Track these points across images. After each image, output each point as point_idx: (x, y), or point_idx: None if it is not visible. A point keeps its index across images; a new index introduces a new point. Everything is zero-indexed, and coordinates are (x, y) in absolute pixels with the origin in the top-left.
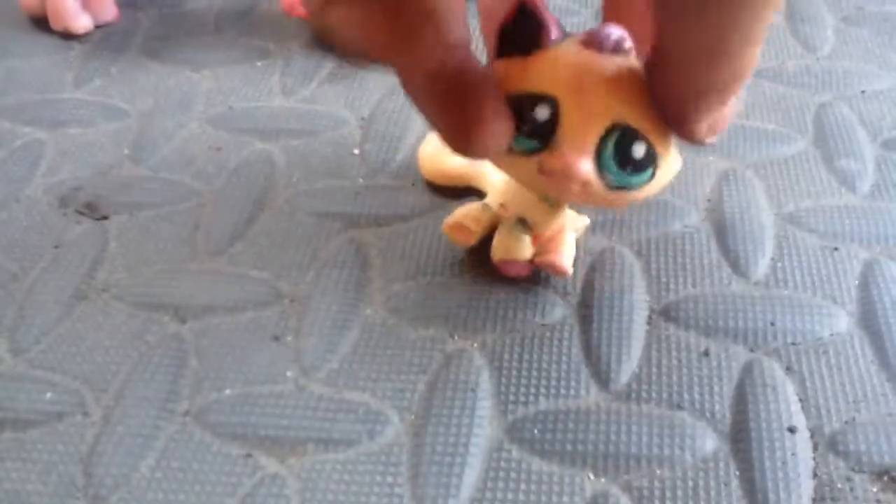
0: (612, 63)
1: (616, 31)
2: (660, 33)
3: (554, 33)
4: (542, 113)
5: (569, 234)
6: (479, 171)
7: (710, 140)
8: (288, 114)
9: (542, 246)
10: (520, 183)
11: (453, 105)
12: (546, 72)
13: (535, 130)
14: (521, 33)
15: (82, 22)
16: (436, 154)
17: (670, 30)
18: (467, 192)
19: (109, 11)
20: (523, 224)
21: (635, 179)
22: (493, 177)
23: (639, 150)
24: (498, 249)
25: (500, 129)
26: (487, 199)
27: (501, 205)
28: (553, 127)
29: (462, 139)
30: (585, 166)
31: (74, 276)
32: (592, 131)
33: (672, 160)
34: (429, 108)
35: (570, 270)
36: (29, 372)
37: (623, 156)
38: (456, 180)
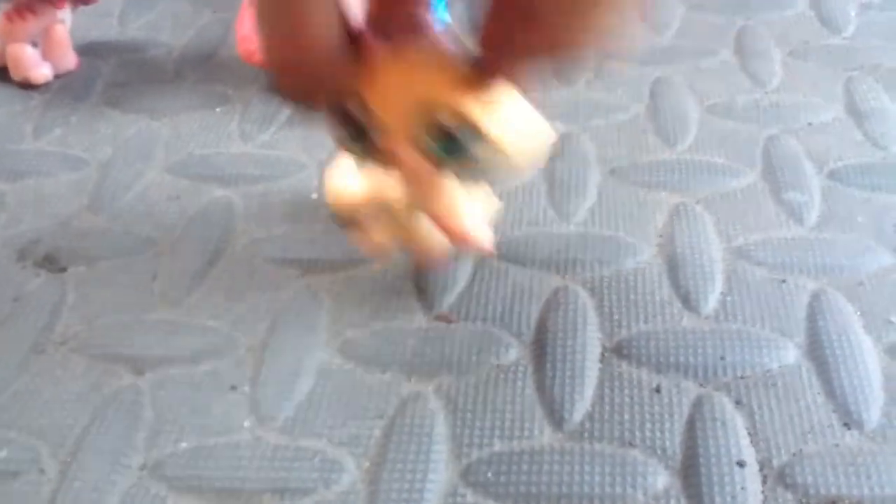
0: (411, 50)
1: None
2: None
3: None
4: (354, 109)
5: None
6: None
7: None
8: (247, 160)
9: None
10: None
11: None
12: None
13: (356, 132)
14: None
15: (42, 71)
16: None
17: None
18: None
19: (69, 60)
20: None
21: (463, 148)
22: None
23: (447, 120)
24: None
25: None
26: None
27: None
28: (368, 123)
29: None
30: (404, 152)
31: (33, 329)
32: (402, 117)
33: (510, 122)
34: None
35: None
36: None
37: (439, 132)
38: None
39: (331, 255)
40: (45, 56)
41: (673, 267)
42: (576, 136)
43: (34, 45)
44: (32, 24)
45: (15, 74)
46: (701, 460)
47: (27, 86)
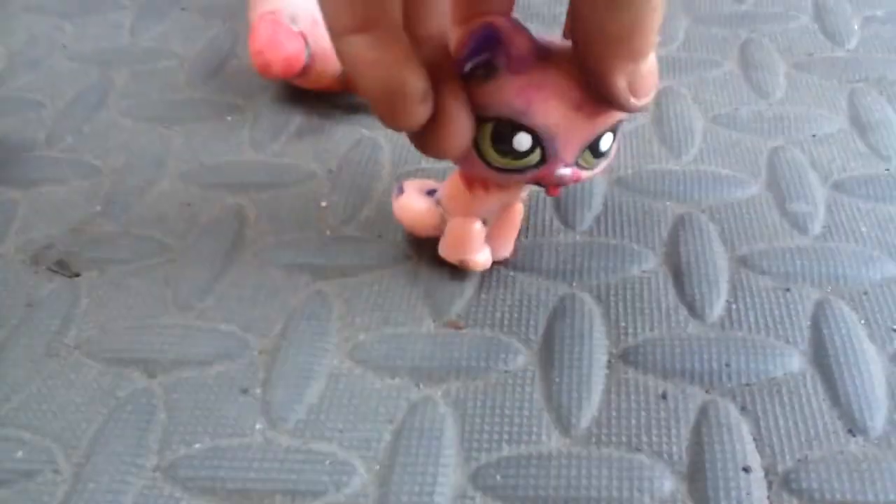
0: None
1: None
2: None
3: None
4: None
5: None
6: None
7: (636, 102)
8: (257, 167)
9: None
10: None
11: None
12: None
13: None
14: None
15: (484, 258)
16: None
17: None
18: None
19: (509, 248)
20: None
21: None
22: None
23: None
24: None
25: (463, 126)
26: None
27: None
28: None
29: (430, 140)
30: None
31: (46, 333)
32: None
33: None
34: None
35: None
36: (0, 431)
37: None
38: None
39: (340, 262)
40: (490, 238)
41: (678, 275)
42: None
43: (484, 222)
44: (495, 199)
45: (451, 253)
46: (707, 465)
47: (462, 267)
